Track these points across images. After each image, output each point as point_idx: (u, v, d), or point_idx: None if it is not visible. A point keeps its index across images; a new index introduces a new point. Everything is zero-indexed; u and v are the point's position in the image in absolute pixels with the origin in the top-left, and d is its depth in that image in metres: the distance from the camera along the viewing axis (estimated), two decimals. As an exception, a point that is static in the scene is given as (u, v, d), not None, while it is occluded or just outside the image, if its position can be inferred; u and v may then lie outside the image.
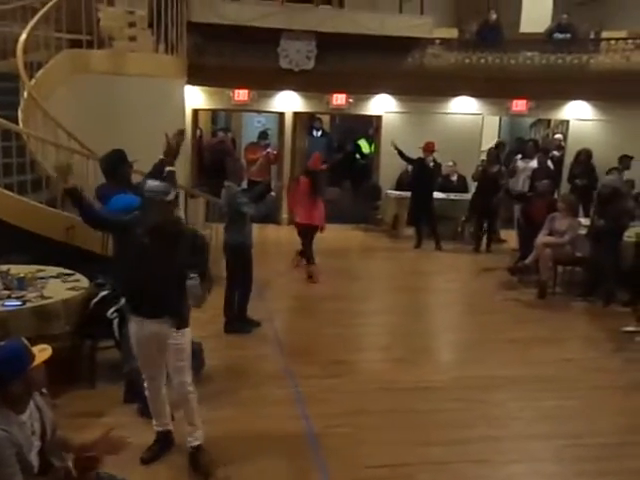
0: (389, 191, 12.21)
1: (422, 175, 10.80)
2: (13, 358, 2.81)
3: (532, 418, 5.20)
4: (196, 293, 4.73)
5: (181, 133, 4.74)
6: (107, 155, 4.92)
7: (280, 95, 11.97)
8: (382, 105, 12.19)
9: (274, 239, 11.50)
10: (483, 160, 11.65)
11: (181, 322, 4.12)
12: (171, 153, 4.67)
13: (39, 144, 7.30)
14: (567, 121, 12.53)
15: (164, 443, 4.47)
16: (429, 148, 10.77)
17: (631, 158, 10.83)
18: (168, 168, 4.64)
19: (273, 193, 6.77)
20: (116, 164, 4.72)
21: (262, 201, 6.66)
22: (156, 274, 3.94)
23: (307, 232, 8.92)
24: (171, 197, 4.01)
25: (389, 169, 12.29)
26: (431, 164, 10.85)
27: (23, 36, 7.71)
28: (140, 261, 3.95)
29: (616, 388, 5.77)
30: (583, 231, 8.63)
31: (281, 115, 12.21)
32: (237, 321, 6.78)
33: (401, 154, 10.63)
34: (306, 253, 9.08)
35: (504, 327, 7.37)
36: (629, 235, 8.19)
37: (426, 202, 10.87)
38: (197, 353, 5.64)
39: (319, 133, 14.38)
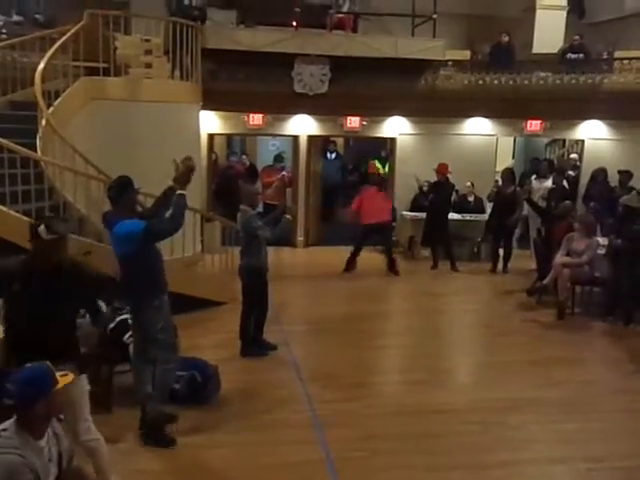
0: (404, 212, 12.18)
1: (438, 196, 10.79)
2: (39, 379, 2.83)
3: (553, 441, 5.11)
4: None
5: (189, 159, 4.74)
6: (113, 182, 4.94)
7: (294, 119, 12.03)
8: (396, 127, 12.21)
9: (290, 262, 11.48)
10: (497, 181, 11.61)
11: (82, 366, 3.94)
12: (182, 178, 4.67)
13: (57, 171, 7.37)
14: (582, 141, 12.47)
15: None
16: (442, 170, 10.77)
17: (629, 174, 10.73)
18: (178, 192, 4.65)
19: (288, 216, 6.78)
20: (121, 191, 4.73)
21: (277, 224, 6.67)
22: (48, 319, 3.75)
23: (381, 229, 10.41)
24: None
25: (404, 190, 12.26)
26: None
27: (41, 65, 7.83)
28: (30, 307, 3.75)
29: (637, 410, 5.66)
30: (601, 251, 8.54)
31: (295, 138, 12.26)
32: (253, 344, 6.75)
33: (421, 191, 11.42)
34: (389, 249, 10.58)
35: (523, 348, 7.28)
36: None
37: (442, 223, 10.84)
38: (213, 376, 5.64)
39: (333, 155, 14.42)
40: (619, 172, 10.87)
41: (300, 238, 12.39)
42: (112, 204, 4.80)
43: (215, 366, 5.74)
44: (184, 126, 9.84)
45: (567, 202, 9.50)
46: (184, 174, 4.68)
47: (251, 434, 5.03)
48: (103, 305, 5.26)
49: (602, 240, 8.79)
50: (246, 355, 6.67)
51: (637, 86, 11.64)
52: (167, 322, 4.88)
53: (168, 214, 4.73)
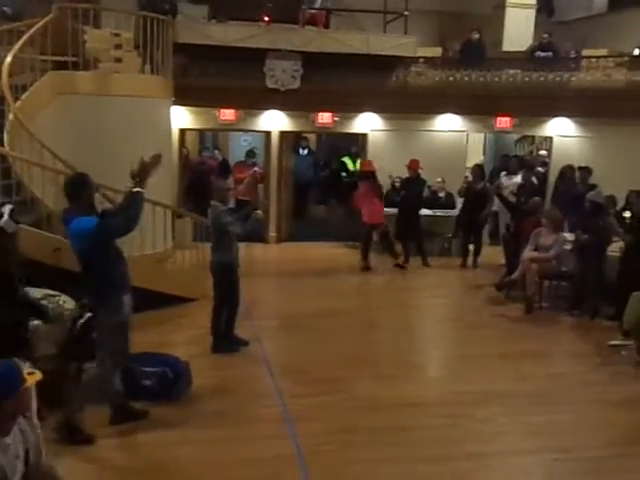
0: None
1: (410, 192, 10.84)
2: (7, 377, 2.78)
3: (522, 433, 5.19)
4: None
5: (158, 156, 4.66)
6: (69, 178, 4.86)
7: (266, 114, 12.00)
8: (367, 123, 12.25)
9: (262, 258, 11.46)
10: (467, 177, 11.72)
11: None
12: (141, 174, 4.55)
13: (25, 166, 7.26)
14: (551, 138, 12.63)
15: None
16: (413, 166, 10.82)
17: (589, 170, 10.92)
18: (135, 189, 4.56)
19: (259, 212, 6.75)
20: (78, 187, 4.64)
21: (248, 220, 6.65)
22: None
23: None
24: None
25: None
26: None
27: (8, 59, 7.71)
28: None
29: (604, 402, 5.77)
30: (568, 246, 8.67)
31: (267, 134, 12.22)
32: (225, 340, 6.74)
33: (393, 187, 11.54)
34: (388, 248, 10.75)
35: (492, 342, 7.37)
36: (613, 250, 8.23)
37: (413, 219, 10.90)
38: (185, 372, 5.62)
39: (305, 151, 14.41)
40: (579, 168, 11.02)
41: (272, 234, 12.38)
42: (69, 201, 4.70)
43: (186, 362, 5.72)
44: (155, 121, 9.78)
45: (536, 198, 9.63)
46: (144, 170, 4.56)
47: (222, 430, 5.03)
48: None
49: (569, 236, 8.92)
50: (217, 351, 6.65)
51: (604, 84, 11.83)
52: (121, 327, 4.75)
53: (124, 212, 4.61)
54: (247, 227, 6.61)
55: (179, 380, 5.51)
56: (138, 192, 4.55)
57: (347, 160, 14.44)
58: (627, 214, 8.75)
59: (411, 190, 10.85)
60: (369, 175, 10.61)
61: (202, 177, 12.12)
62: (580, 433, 5.19)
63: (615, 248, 8.24)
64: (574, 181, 10.82)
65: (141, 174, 4.57)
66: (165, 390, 5.40)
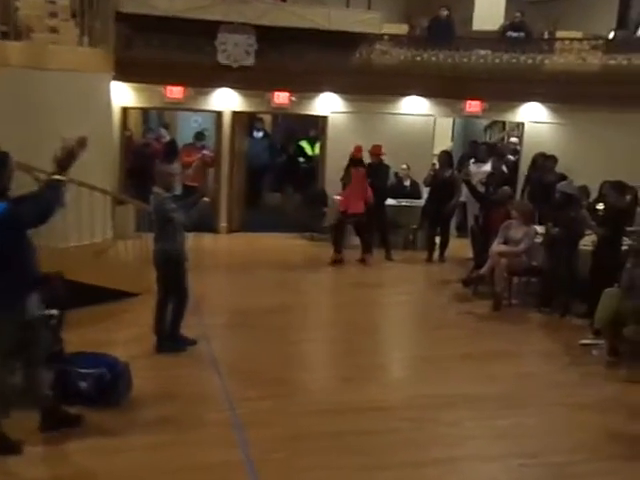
0: (336, 196, 12.24)
1: (373, 180, 10.87)
2: None
3: (488, 437, 5.29)
4: None
5: (84, 140, 4.52)
6: None
7: (217, 93, 11.91)
8: (328, 104, 12.25)
9: (211, 249, 11.40)
10: (434, 164, 11.83)
11: None
12: (63, 161, 4.43)
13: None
14: (522, 124, 12.82)
15: None
16: (376, 152, 10.86)
17: (555, 159, 11.12)
18: (55, 176, 4.43)
19: (207, 199, 6.69)
20: None
21: (194, 207, 6.59)
22: None
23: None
24: None
25: (335, 173, 12.30)
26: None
27: None
28: None
29: (574, 404, 5.90)
30: (538, 239, 8.82)
31: (219, 114, 12.14)
32: (169, 339, 6.68)
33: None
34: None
35: (458, 342, 7.46)
36: (585, 244, 8.40)
37: (378, 208, 10.94)
38: (124, 374, 5.56)
39: (260, 134, 14.38)
40: (546, 157, 11.18)
41: (223, 224, 12.31)
42: None
43: (126, 363, 5.66)
44: (93, 98, 9.58)
45: (505, 188, 9.76)
46: (68, 156, 4.44)
47: (165, 435, 4.99)
48: None
49: (539, 228, 9.08)
50: (161, 351, 6.58)
51: (578, 68, 12.04)
52: (28, 326, 4.62)
53: (38, 200, 4.45)
54: (193, 215, 6.55)
55: (118, 382, 5.44)
56: (57, 180, 4.41)
57: (305, 144, 14.45)
58: (600, 206, 8.93)
59: (374, 178, 10.89)
60: (361, 161, 10.63)
61: (146, 160, 11.99)
62: (548, 437, 5.29)
63: (587, 242, 8.41)
64: (547, 170, 10.98)
65: (64, 161, 4.43)
66: (102, 394, 5.33)
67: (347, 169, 10.76)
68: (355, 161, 10.63)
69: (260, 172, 14.19)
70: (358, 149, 10.63)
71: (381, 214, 11.04)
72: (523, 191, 11.55)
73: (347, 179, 10.81)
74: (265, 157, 14.38)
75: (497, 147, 13.56)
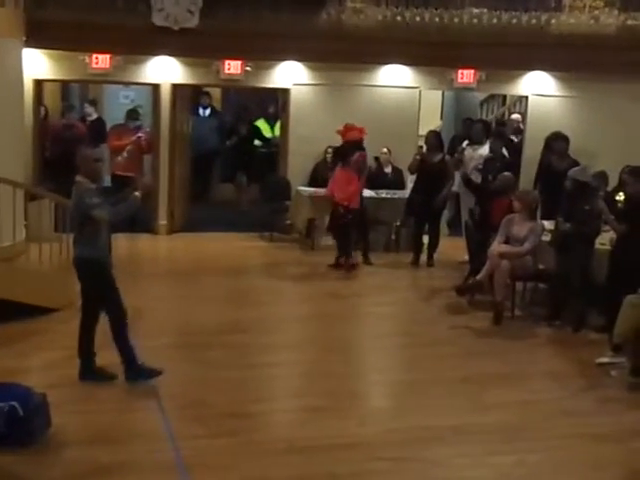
0: (301, 187, 12.29)
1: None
2: None
3: (485, 479, 5.33)
4: None
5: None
6: None
7: (154, 62, 11.88)
8: (290, 75, 12.27)
9: (149, 254, 11.38)
10: (421, 147, 11.91)
11: None
12: None
13: None
14: (525, 97, 12.95)
15: None
16: (349, 132, 10.88)
17: (564, 139, 11.18)
18: None
19: (137, 193, 6.62)
20: None
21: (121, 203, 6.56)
22: None
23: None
24: None
25: (300, 158, 12.37)
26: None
27: None
28: None
29: (589, 436, 5.98)
30: (547, 237, 8.93)
31: (156, 88, 12.11)
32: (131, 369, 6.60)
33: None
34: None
35: (450, 363, 7.53)
36: (602, 242, 8.52)
37: None
38: (40, 408, 5.53)
39: (207, 112, 14.35)
40: (552, 139, 11.27)
41: (162, 222, 12.28)
42: None
43: (42, 394, 5.63)
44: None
45: (506, 173, 9.82)
46: None
47: (92, 484, 4.99)
48: None
49: (548, 224, 9.18)
50: (87, 378, 6.56)
51: (591, 29, 12.18)
52: None
53: None
54: (120, 212, 6.50)
55: (32, 418, 5.40)
56: None
57: (262, 124, 14.45)
58: (620, 196, 9.06)
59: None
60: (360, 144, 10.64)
61: (68, 146, 11.87)
62: (558, 477, 5.37)
63: (605, 240, 8.53)
64: (557, 154, 11.04)
65: None
66: (13, 432, 5.30)
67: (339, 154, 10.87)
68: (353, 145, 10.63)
69: (207, 159, 14.19)
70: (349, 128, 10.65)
71: (360, 208, 11.08)
72: (537, 181, 11.57)
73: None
74: (213, 140, 14.37)
75: (496, 126, 13.68)
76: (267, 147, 14.28)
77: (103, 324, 6.60)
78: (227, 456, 5.43)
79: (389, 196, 11.95)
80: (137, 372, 6.57)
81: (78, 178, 6.47)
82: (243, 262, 11.05)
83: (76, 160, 6.74)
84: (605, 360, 7.37)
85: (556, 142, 11.13)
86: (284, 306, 9.50)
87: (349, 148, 10.57)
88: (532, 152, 12.23)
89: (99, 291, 6.54)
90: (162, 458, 5.35)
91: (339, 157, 10.78)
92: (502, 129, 13.31)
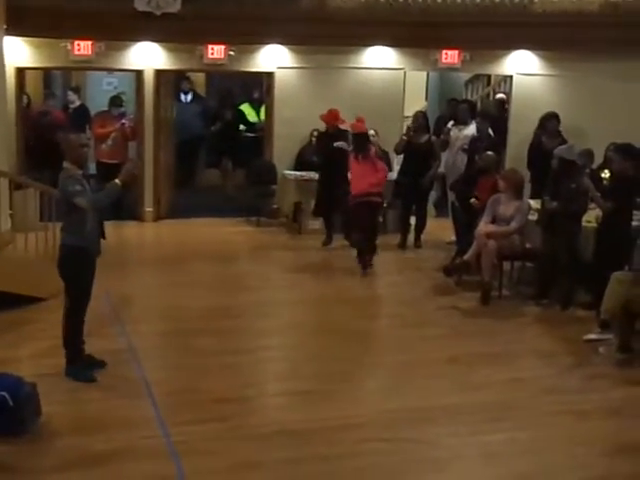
0: (287, 172, 12.29)
1: (333, 152, 10.88)
2: None
3: (475, 457, 5.39)
4: None
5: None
6: None
7: (137, 47, 11.84)
8: (273, 59, 12.25)
9: (135, 241, 11.37)
10: (409, 128, 11.90)
11: None
12: None
13: None
14: (510, 77, 12.96)
15: None
16: (332, 118, 10.87)
17: (555, 118, 11.21)
18: None
19: (118, 180, 6.56)
20: None
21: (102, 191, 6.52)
22: None
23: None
24: None
25: (285, 142, 12.36)
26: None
27: None
28: None
29: (577, 413, 6.04)
30: (533, 216, 8.96)
31: (139, 74, 12.07)
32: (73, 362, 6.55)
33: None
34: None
35: (438, 343, 7.57)
36: (588, 219, 8.56)
37: (340, 186, 10.99)
38: (30, 397, 5.53)
39: (189, 97, 14.32)
40: (545, 118, 11.28)
41: (148, 209, 12.27)
42: None
43: (33, 384, 5.63)
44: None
45: (489, 152, 9.82)
46: None
47: (85, 471, 4.98)
48: None
49: (534, 203, 9.22)
50: (68, 374, 6.52)
51: (574, 6, 12.16)
52: None
53: None
54: (100, 199, 6.45)
55: (23, 408, 5.40)
56: None
57: (247, 108, 14.41)
58: (605, 174, 9.09)
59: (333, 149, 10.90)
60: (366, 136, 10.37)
61: (46, 133, 11.83)
62: (546, 454, 5.40)
63: (591, 217, 8.56)
64: (548, 133, 11.05)
65: None
66: (4, 422, 5.29)
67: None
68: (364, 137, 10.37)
69: (192, 144, 14.15)
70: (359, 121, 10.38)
71: (344, 192, 11.06)
72: (530, 160, 11.56)
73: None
74: (197, 126, 14.35)
75: (481, 105, 13.68)
76: (252, 131, 14.25)
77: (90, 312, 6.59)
78: (218, 441, 5.44)
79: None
80: (75, 372, 6.44)
81: (65, 164, 6.44)
82: (230, 247, 11.05)
83: (60, 146, 6.70)
84: (593, 337, 7.44)
85: (549, 121, 11.15)
86: (272, 291, 9.51)
87: (362, 139, 10.25)
88: (517, 131, 12.27)
89: (73, 279, 6.47)
90: (154, 444, 5.36)
91: (358, 150, 10.15)
92: (487, 109, 13.34)
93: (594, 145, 9.87)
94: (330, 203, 11.10)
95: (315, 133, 11.89)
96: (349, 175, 10.31)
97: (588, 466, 5.28)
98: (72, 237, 6.39)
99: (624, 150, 8.29)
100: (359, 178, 9.95)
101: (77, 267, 6.43)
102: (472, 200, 9.45)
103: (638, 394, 6.47)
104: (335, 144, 10.82)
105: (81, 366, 6.51)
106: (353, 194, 9.99)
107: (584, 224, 8.54)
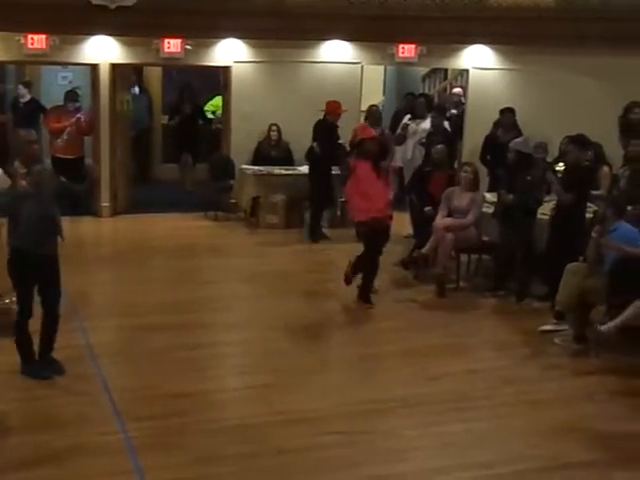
0: (245, 166, 12.25)
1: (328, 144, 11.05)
2: None
3: (434, 448, 5.45)
4: None
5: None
6: None
7: (92, 41, 11.70)
8: (230, 53, 12.19)
9: (92, 237, 11.29)
10: (366, 121, 11.92)
11: None
12: None
13: None
14: (466, 71, 13.03)
15: None
16: (335, 107, 11.06)
17: (510, 111, 11.28)
18: None
19: (62, 178, 6.49)
20: None
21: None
22: None
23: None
24: None
25: (243, 136, 12.31)
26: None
27: None
28: None
29: (533, 403, 6.14)
30: (489, 209, 9.04)
31: (94, 68, 11.94)
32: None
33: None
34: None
35: (396, 336, 7.64)
36: (543, 212, 8.65)
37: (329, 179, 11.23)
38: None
39: (136, 90, 14.19)
40: (501, 111, 11.39)
41: (104, 204, 12.13)
42: None
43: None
44: None
45: (440, 146, 9.83)
46: None
47: (41, 469, 4.96)
48: None
49: (489, 195, 9.30)
50: (25, 372, 6.44)
51: (530, 1, 12.26)
52: None
53: None
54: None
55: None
56: None
57: (218, 102, 14.21)
58: (560, 166, 9.19)
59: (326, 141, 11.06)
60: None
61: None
62: (504, 443, 5.49)
63: (546, 210, 8.64)
64: (504, 126, 11.12)
65: None
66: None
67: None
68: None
69: (141, 137, 14.08)
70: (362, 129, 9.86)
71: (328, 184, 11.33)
72: (483, 154, 11.61)
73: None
74: (145, 119, 14.27)
75: (438, 99, 13.75)
76: (211, 126, 14.19)
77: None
78: (177, 436, 5.44)
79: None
80: (31, 370, 6.38)
81: (16, 164, 6.36)
82: (188, 242, 10.98)
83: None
84: (548, 328, 7.54)
85: (504, 115, 11.24)
86: (231, 285, 9.47)
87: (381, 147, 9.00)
88: (473, 125, 12.36)
89: (14, 279, 6.34)
90: (112, 440, 5.36)
91: (362, 155, 8.77)
92: (443, 103, 13.42)
93: (549, 138, 9.98)
94: (327, 197, 11.30)
95: (274, 128, 11.91)
96: (353, 184, 8.72)
97: (545, 454, 5.35)
98: (11, 238, 6.28)
99: (578, 141, 8.43)
100: (378, 196, 8.39)
101: (16, 267, 6.32)
102: (426, 209, 9.35)
103: (593, 383, 6.58)
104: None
105: (36, 364, 6.46)
106: (372, 216, 8.30)
107: (539, 216, 8.62)
